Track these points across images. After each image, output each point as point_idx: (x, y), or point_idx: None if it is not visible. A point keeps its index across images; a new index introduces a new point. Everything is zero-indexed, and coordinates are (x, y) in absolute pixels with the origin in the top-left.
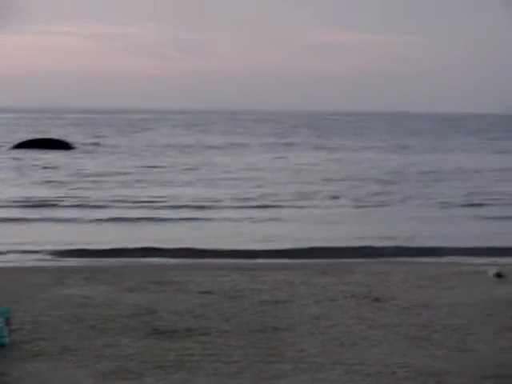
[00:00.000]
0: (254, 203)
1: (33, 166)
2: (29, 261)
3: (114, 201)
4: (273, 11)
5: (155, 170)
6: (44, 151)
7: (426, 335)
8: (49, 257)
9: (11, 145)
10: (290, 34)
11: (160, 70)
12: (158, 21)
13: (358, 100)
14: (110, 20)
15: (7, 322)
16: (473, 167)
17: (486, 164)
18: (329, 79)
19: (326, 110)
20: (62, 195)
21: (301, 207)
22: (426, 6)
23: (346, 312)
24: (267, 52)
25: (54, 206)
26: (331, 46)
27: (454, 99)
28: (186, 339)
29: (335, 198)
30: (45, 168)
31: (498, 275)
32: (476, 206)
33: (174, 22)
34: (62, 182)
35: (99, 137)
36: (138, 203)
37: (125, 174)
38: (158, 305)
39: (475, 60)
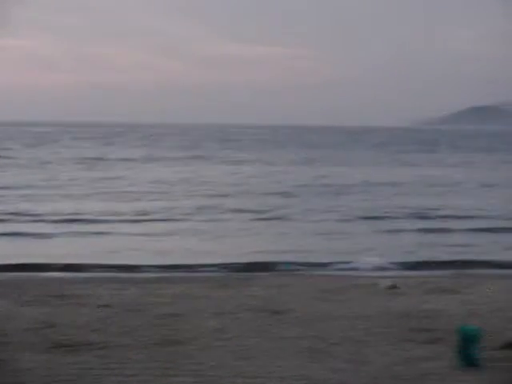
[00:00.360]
0: (155, 216)
1: None
2: None
3: (13, 214)
4: (173, 24)
5: (57, 183)
6: None
7: (325, 347)
8: None
9: None
10: (190, 47)
11: (57, 83)
12: (54, 33)
13: (260, 113)
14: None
15: None
16: (375, 180)
17: (389, 177)
18: (229, 92)
19: (228, 123)
20: None
21: (203, 221)
22: (329, 21)
23: (246, 325)
24: (167, 65)
25: None
26: (232, 58)
27: (359, 112)
28: (86, 353)
29: (237, 211)
30: None
31: (392, 287)
32: (375, 219)
33: (70, 34)
34: None
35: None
36: (37, 216)
37: (26, 187)
38: (58, 318)
39: (380, 74)
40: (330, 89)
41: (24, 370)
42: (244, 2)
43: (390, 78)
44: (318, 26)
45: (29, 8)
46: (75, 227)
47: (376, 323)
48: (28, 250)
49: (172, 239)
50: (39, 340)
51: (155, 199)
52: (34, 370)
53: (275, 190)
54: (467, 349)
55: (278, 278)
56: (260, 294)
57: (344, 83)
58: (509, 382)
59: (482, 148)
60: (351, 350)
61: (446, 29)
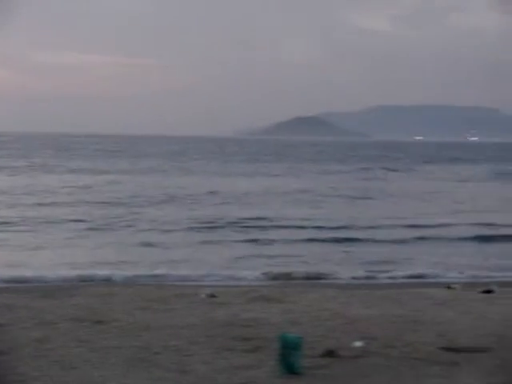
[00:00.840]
0: None
1: None
2: None
3: None
4: None
5: None
6: None
7: (147, 357)
8: None
9: None
10: (16, 55)
11: None
12: None
13: (89, 122)
14: None
15: None
16: (206, 190)
17: (218, 187)
18: (58, 100)
19: (57, 131)
20: None
21: (28, 231)
22: (166, 30)
23: (68, 335)
24: None
25: None
26: (60, 67)
27: (184, 122)
28: None
29: (69, 221)
30: None
31: (211, 296)
32: (202, 229)
33: None
34: None
35: None
36: None
37: None
38: None
39: (206, 84)
40: (159, 99)
41: None
42: (71, 11)
43: (216, 89)
44: (156, 33)
45: None
46: None
47: (199, 332)
48: None
49: None
50: None
51: None
52: None
53: (106, 199)
54: (288, 357)
55: (101, 288)
56: (83, 303)
57: (172, 92)
58: None
59: (305, 158)
60: (174, 359)
61: (274, 39)
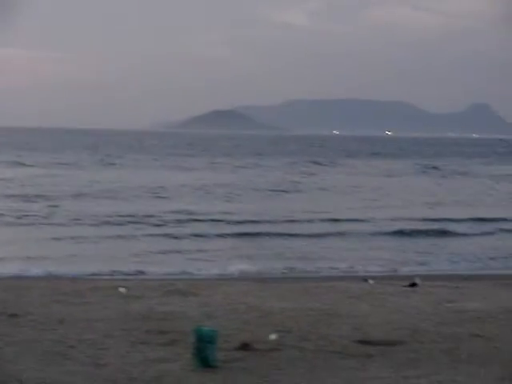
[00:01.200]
0: None
1: None
2: None
3: None
4: None
5: None
6: None
7: (62, 350)
8: None
9: None
10: None
11: None
12: None
13: None
14: None
15: None
16: (134, 183)
17: (140, 181)
18: None
19: None
20: None
21: None
22: (75, 22)
23: None
24: None
25: None
26: None
27: (99, 115)
28: None
29: None
30: None
31: (128, 289)
32: (124, 223)
33: None
34: None
35: None
36: None
37: None
38: None
39: (122, 77)
40: (61, 91)
41: None
42: None
43: (132, 82)
44: (63, 26)
45: None
46: None
47: (114, 326)
48: None
49: None
50: None
51: None
52: None
53: (26, 192)
54: (203, 350)
55: (16, 281)
56: None
57: (86, 85)
58: (243, 382)
59: (223, 152)
60: (89, 353)
61: (188, 34)
